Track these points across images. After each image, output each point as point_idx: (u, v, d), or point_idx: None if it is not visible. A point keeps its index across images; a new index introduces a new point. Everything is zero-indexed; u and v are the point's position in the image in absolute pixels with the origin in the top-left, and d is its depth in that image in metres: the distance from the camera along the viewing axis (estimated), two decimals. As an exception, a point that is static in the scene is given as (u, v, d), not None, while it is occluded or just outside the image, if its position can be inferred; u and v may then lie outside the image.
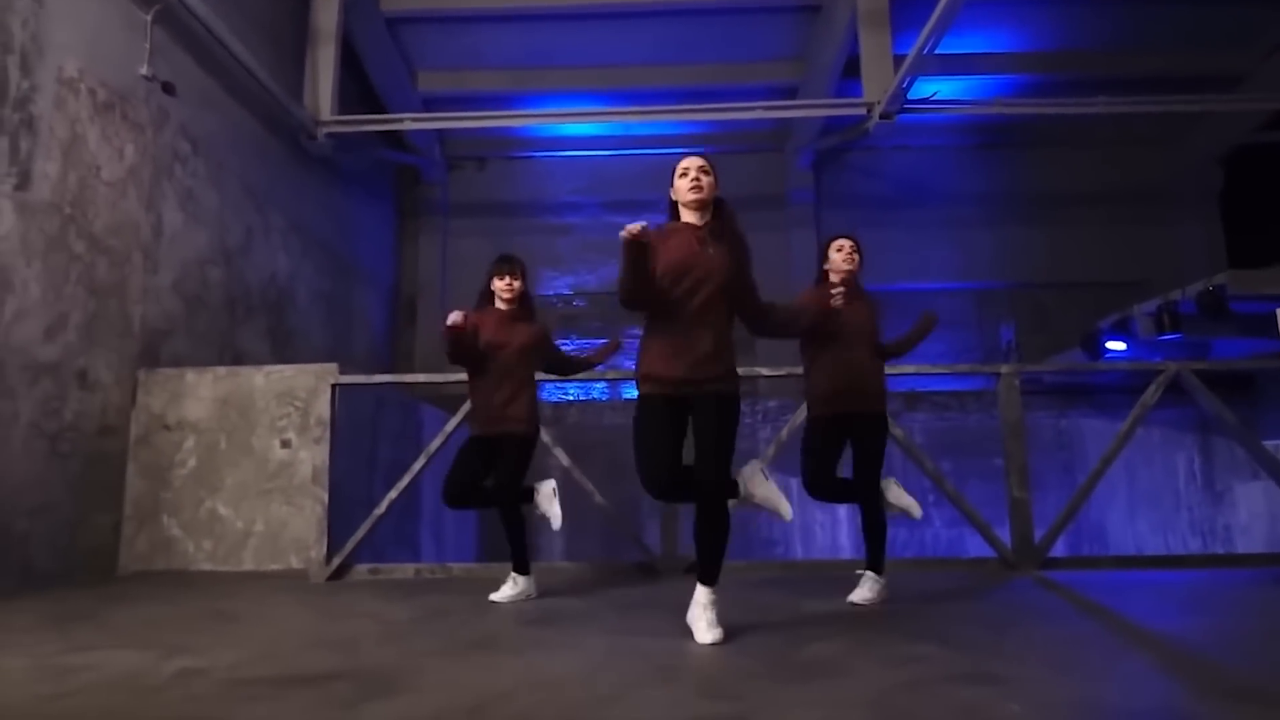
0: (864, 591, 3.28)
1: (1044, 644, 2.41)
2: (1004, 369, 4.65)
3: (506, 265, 3.62)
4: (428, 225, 11.27)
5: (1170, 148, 11.15)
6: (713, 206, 2.75)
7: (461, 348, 3.46)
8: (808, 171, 11.04)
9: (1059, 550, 9.26)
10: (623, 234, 2.45)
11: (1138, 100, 7.94)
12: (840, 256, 3.45)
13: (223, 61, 6.43)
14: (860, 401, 3.32)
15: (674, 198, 2.78)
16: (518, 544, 3.57)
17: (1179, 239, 11.04)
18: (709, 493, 2.56)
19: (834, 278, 3.45)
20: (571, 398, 10.66)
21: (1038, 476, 9.10)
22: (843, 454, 3.38)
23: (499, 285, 3.59)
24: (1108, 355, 7.88)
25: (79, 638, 2.65)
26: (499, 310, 3.62)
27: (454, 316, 3.33)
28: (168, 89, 5.77)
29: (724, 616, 2.49)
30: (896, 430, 4.75)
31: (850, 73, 8.66)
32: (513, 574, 3.57)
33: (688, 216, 2.74)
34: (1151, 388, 4.59)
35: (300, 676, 2.02)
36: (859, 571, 3.40)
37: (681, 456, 2.64)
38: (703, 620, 2.47)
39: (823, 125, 9.82)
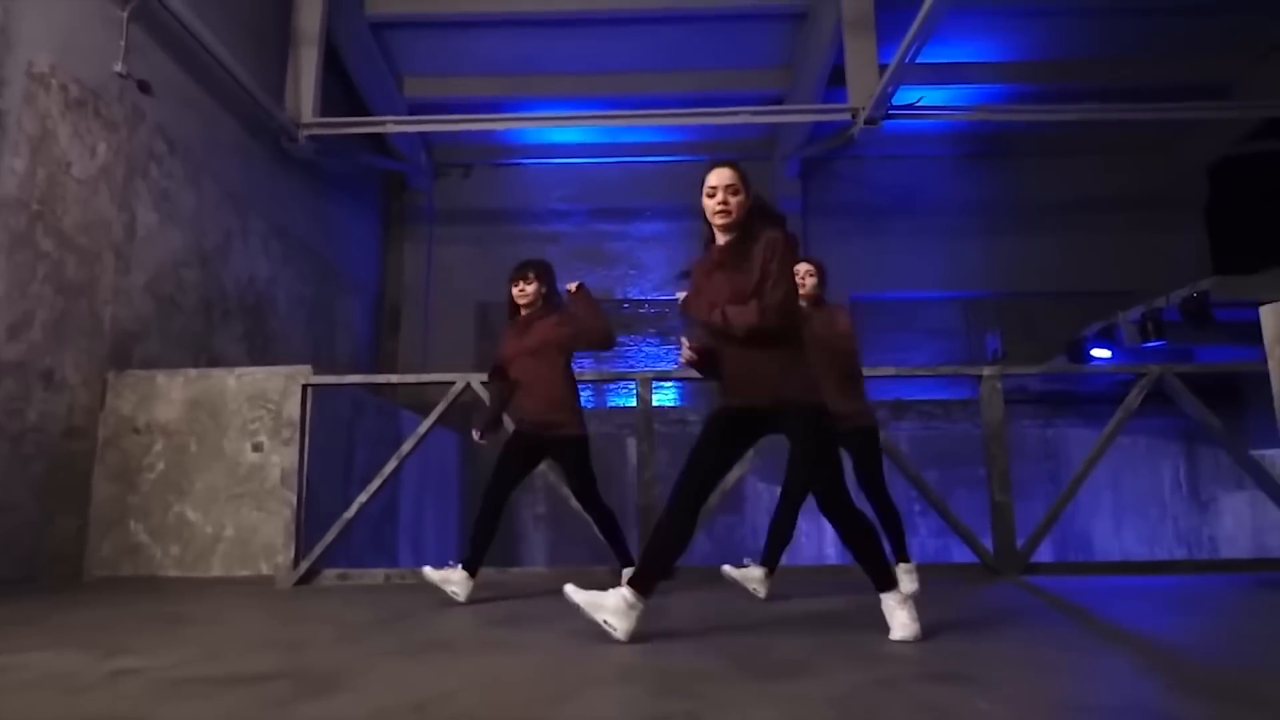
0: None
1: (1019, 644, 2.33)
2: (985, 371, 4.60)
3: (518, 271, 3.55)
4: (413, 232, 11.20)
5: (1159, 157, 11.19)
6: (751, 221, 2.51)
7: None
8: (795, 180, 11.03)
9: (1044, 559, 9.20)
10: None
11: (1122, 108, 7.95)
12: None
13: (202, 61, 6.35)
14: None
15: (705, 213, 2.54)
16: (614, 537, 3.63)
17: (1167, 249, 11.06)
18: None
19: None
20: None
21: (1023, 485, 9.07)
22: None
23: (514, 293, 3.53)
24: (1093, 363, 7.85)
25: (19, 640, 2.54)
26: (521, 319, 3.56)
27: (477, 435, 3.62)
28: (144, 88, 5.70)
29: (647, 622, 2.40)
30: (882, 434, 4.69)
31: (836, 81, 8.66)
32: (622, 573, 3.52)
33: (719, 237, 2.55)
34: (1134, 391, 4.55)
35: (239, 676, 1.92)
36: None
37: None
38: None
39: (809, 133, 9.81)
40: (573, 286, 3.40)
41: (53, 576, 4.76)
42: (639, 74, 10.14)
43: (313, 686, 1.79)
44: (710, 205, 2.49)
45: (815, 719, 1.49)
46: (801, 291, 3.44)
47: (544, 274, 3.56)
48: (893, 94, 7.07)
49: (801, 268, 3.49)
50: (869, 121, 7.20)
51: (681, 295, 2.51)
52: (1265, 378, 3.23)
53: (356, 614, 3.03)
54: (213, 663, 2.10)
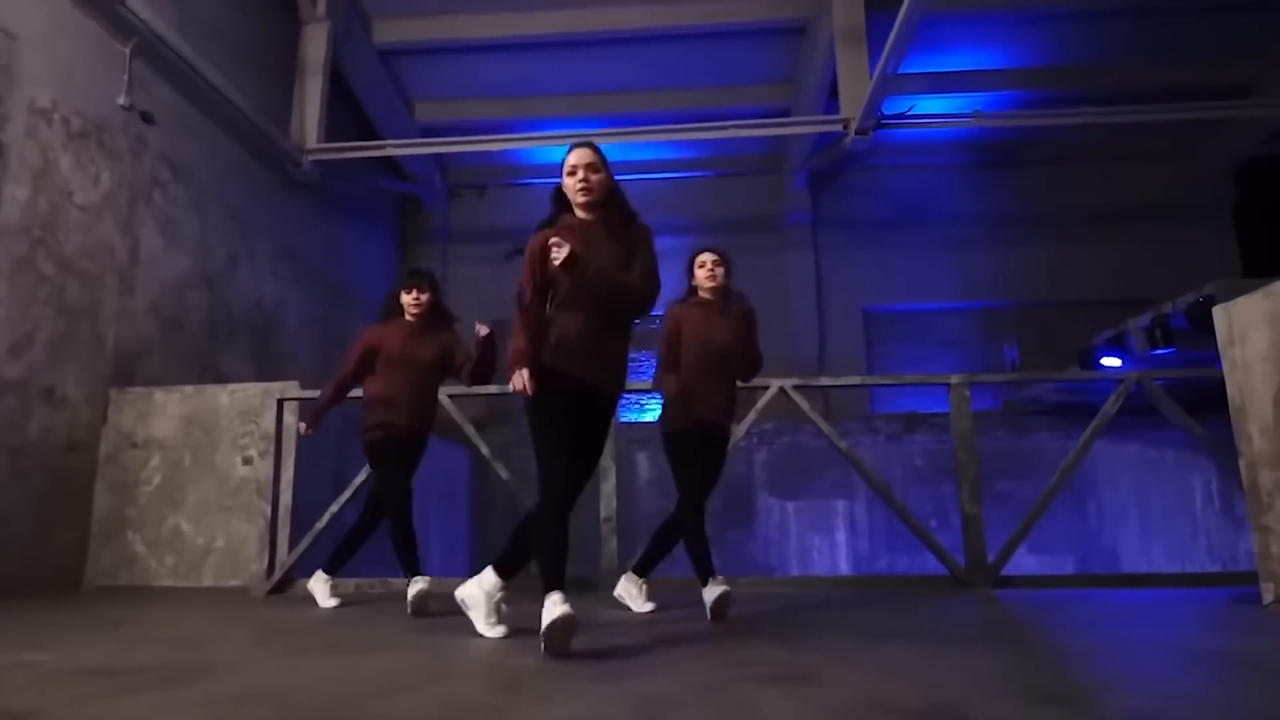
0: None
1: (900, 650, 2.29)
2: (954, 379, 4.52)
3: (414, 279, 3.66)
4: (428, 252, 11.46)
5: (1178, 163, 10.88)
6: (616, 200, 2.62)
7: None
8: (804, 193, 11.01)
9: (1066, 572, 8.90)
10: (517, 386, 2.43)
11: (1123, 110, 7.77)
12: (703, 273, 3.33)
13: (204, 91, 6.65)
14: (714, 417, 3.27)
15: (565, 192, 2.63)
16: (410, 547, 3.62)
17: (1189, 256, 10.72)
18: (544, 495, 2.42)
19: (702, 294, 3.35)
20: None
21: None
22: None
23: (406, 300, 3.62)
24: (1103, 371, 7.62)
25: (-36, 638, 2.68)
26: (407, 323, 3.64)
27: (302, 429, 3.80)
28: (146, 118, 5.98)
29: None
30: (841, 443, 4.65)
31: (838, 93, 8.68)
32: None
33: (580, 213, 2.61)
34: (1111, 398, 4.43)
35: (116, 668, 2.01)
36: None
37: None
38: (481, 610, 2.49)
39: (815, 144, 9.79)
40: (483, 331, 3.37)
41: (53, 586, 4.97)
42: (643, 92, 10.27)
43: (173, 678, 1.88)
44: (571, 184, 2.58)
45: (613, 716, 1.51)
46: (712, 284, 3.31)
47: (436, 286, 3.72)
48: (881, 104, 7.03)
49: (708, 259, 3.34)
50: (859, 132, 7.17)
51: (561, 251, 2.39)
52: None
53: (290, 618, 3.13)
54: (107, 658, 2.20)
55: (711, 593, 2.94)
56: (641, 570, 3.45)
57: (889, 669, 1.95)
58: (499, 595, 2.58)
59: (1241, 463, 3.22)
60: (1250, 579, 3.95)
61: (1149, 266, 10.71)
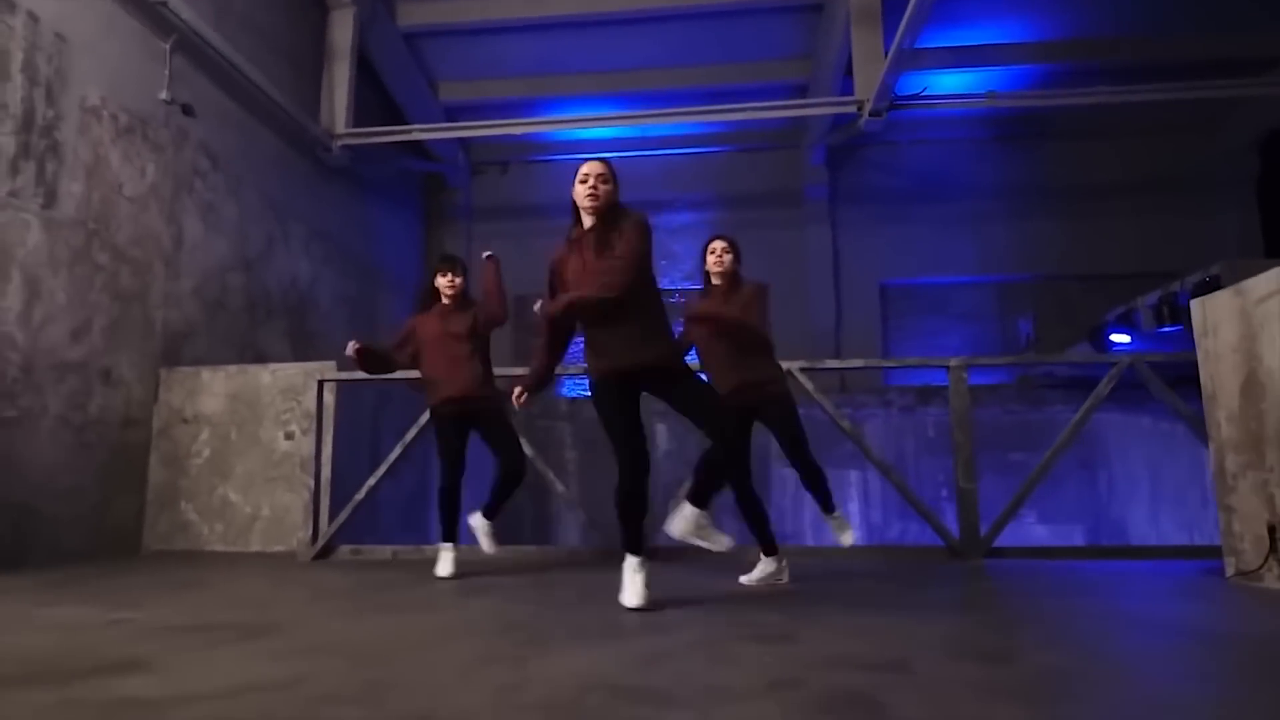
0: (755, 573, 3.49)
1: (882, 617, 2.58)
2: (952, 362, 4.76)
3: (448, 264, 3.95)
4: (451, 229, 11.76)
5: (1200, 136, 10.83)
6: (615, 211, 2.85)
7: (374, 365, 3.95)
8: (822, 167, 11.12)
9: (1077, 544, 9.12)
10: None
11: (1143, 89, 7.79)
12: (712, 259, 3.53)
13: (239, 82, 6.94)
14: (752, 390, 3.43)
15: (575, 200, 2.87)
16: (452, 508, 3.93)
17: (1211, 229, 10.73)
18: (620, 473, 2.76)
19: (713, 280, 3.55)
20: (589, 395, 11.00)
21: (1056, 472, 9.01)
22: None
23: (442, 283, 3.91)
24: (1113, 348, 7.78)
25: (54, 597, 3.07)
26: (443, 306, 3.94)
27: (350, 348, 3.81)
28: (187, 111, 6.29)
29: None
30: (844, 423, 4.92)
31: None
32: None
33: (585, 220, 2.87)
34: (1104, 380, 4.64)
35: (202, 625, 2.37)
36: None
37: (643, 430, 2.83)
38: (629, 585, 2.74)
39: (832, 121, 9.90)
40: (486, 254, 3.91)
41: (115, 551, 5.42)
42: (664, 70, 10.40)
43: (250, 633, 2.23)
44: (581, 190, 2.83)
45: (610, 669, 1.82)
46: (720, 269, 3.48)
47: (467, 273, 4.03)
48: (894, 85, 7.14)
49: (718, 245, 3.51)
50: (873, 114, 7.29)
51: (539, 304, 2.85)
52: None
53: (340, 582, 3.49)
54: (192, 615, 2.57)
55: (753, 576, 3.40)
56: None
57: (861, 631, 2.25)
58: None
59: (1211, 447, 3.44)
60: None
61: (1169, 240, 10.74)
